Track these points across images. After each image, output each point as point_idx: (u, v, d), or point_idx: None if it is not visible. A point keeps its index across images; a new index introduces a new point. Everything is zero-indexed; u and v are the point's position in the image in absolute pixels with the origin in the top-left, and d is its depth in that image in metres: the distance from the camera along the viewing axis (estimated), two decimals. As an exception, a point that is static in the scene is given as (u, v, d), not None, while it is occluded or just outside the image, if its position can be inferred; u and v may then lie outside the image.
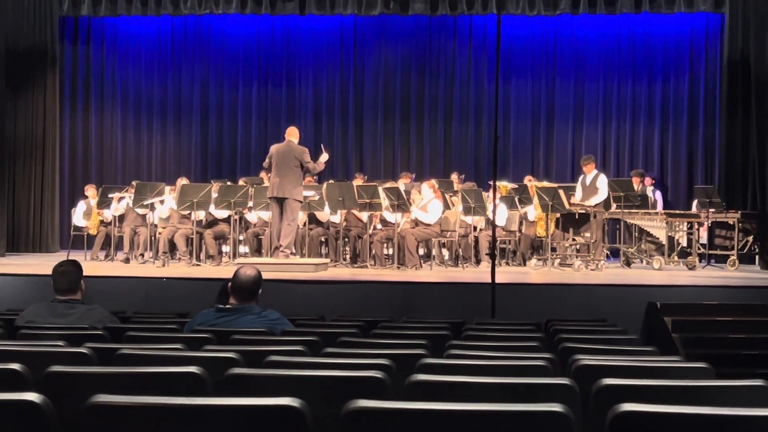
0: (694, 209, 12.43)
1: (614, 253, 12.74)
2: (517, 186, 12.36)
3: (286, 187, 10.29)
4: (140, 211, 12.02)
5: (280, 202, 10.34)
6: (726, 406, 2.39)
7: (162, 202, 11.88)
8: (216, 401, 2.49)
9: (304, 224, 11.51)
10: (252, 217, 12.15)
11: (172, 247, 11.65)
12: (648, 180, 13.49)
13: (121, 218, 12.41)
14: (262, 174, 12.77)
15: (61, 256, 11.41)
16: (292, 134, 10.74)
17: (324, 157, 10.86)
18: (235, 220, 11.52)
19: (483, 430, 2.38)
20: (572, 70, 15.09)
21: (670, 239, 11.55)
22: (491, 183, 9.17)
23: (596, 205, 11.25)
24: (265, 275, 5.37)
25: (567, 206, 10.96)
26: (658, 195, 13.70)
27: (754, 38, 12.43)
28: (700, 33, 14.67)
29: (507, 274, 10.29)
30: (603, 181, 11.42)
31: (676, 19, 14.43)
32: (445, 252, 12.44)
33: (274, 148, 10.65)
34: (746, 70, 12.57)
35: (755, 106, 12.25)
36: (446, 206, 11.64)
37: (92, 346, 3.76)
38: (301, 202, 10.60)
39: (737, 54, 12.78)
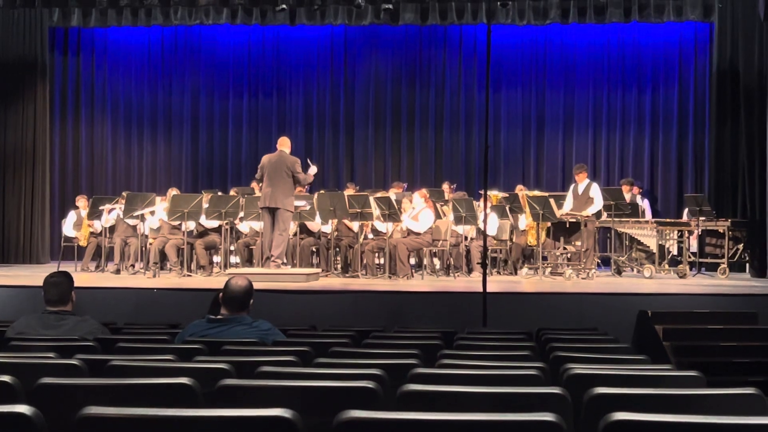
0: (684, 217, 12.46)
1: (605, 262, 12.75)
2: (507, 195, 12.36)
3: (277, 196, 10.27)
4: (131, 221, 11.99)
5: (272, 211, 10.32)
6: (717, 414, 2.40)
7: (152, 212, 11.85)
8: (207, 413, 2.49)
9: (295, 234, 11.49)
10: (243, 227, 12.13)
11: (163, 257, 11.62)
12: (635, 189, 13.49)
13: (112, 229, 12.37)
14: (253, 184, 12.76)
15: (51, 268, 11.36)
16: (284, 144, 10.73)
17: (313, 169, 10.84)
18: (226, 230, 11.51)
19: (475, 440, 2.38)
20: (562, 79, 15.12)
21: (661, 248, 11.57)
22: (482, 192, 9.19)
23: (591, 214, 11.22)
24: (257, 285, 5.36)
25: (558, 215, 10.97)
26: (647, 203, 13.73)
27: (742, 47, 12.51)
28: (689, 42, 14.72)
29: (498, 283, 10.30)
30: (596, 190, 11.32)
31: (666, 29, 14.49)
32: (437, 261, 12.43)
33: (266, 158, 10.64)
34: (735, 78, 12.65)
35: (744, 114, 12.32)
36: (437, 215, 11.64)
37: (83, 358, 3.74)
38: (292, 212, 10.59)
39: (726, 63, 12.86)
